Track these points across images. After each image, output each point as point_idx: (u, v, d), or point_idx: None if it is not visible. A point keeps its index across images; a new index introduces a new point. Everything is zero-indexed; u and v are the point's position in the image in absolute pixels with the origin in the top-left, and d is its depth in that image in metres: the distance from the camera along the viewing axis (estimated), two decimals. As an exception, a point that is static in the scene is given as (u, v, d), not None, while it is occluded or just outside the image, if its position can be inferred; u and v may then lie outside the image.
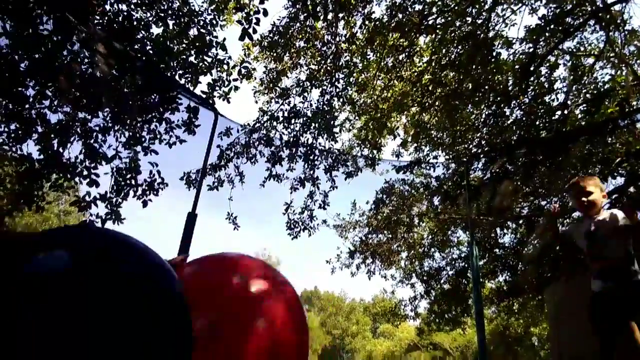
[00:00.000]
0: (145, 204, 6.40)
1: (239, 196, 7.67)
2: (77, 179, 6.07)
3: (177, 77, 5.71)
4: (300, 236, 8.19)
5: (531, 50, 6.00)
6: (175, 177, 7.25)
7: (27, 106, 5.43)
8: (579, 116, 6.72)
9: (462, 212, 8.92)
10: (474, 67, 5.94)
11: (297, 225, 8.15)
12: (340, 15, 6.26)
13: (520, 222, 9.13)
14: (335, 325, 52.79)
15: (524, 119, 6.58)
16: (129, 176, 6.32)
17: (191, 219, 6.57)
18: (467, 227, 8.71)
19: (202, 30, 5.52)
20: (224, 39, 5.58)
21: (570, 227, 3.01)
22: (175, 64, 5.66)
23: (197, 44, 5.45)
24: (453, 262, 11.61)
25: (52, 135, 5.68)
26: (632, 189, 7.58)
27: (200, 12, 5.60)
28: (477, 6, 5.85)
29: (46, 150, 5.70)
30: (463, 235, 11.31)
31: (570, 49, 6.59)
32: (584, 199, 2.67)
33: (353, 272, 11.74)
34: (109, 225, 6.20)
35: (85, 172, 5.87)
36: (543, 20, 5.59)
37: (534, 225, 8.63)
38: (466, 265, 10.98)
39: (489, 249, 10.36)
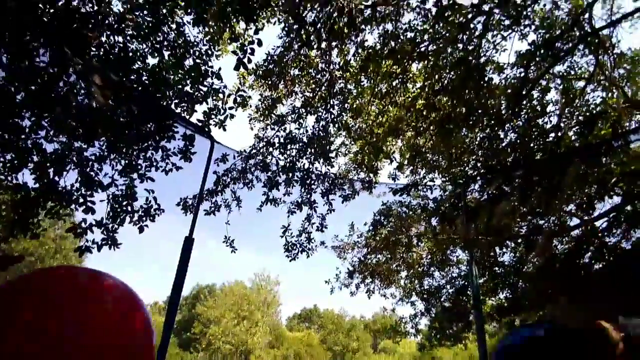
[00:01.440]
0: (141, 229, 6.41)
1: (237, 220, 7.68)
2: (72, 207, 6.07)
3: (173, 106, 5.75)
4: (299, 258, 8.19)
5: (522, 74, 6.09)
6: (172, 203, 7.26)
7: (22, 136, 5.45)
8: (573, 138, 6.77)
9: (460, 233, 8.91)
10: (466, 92, 6.01)
11: (294, 247, 8.14)
12: (334, 43, 6.35)
13: (519, 241, 9.12)
14: (335, 341, 52.25)
15: (518, 141, 6.63)
16: (125, 203, 6.33)
17: (188, 242, 6.57)
18: (466, 247, 8.70)
19: (197, 60, 5.59)
20: (219, 69, 5.64)
21: None
22: (171, 94, 5.72)
23: (193, 73, 5.51)
24: (453, 281, 11.56)
25: (48, 165, 5.70)
26: (629, 207, 7.61)
27: (195, 43, 5.68)
28: (467, 33, 5.95)
29: (42, 179, 5.71)
30: (462, 255, 11.28)
31: (561, 73, 6.69)
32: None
33: (352, 291, 11.69)
34: (105, 250, 6.19)
35: (81, 200, 5.88)
36: (533, 46, 5.68)
37: (533, 245, 8.63)
38: (466, 283, 10.93)
39: (488, 267, 10.32)
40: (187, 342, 43.67)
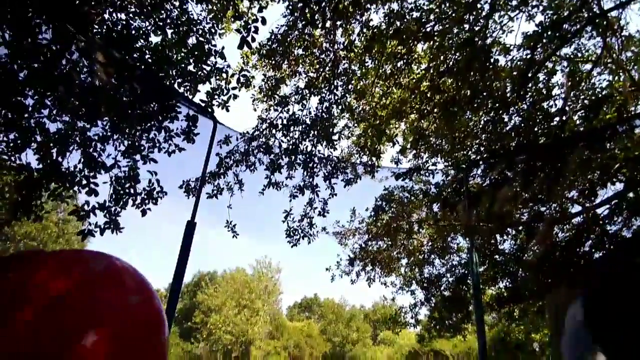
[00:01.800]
0: (144, 212, 6.40)
1: (239, 204, 7.68)
2: (76, 188, 6.06)
3: (176, 86, 5.72)
4: (300, 243, 8.19)
5: (529, 56, 6.03)
6: (175, 186, 7.26)
7: (26, 115, 5.43)
8: (578, 122, 6.73)
9: (462, 219, 8.91)
10: (472, 74, 5.96)
11: (296, 232, 8.15)
12: (338, 23, 6.29)
13: (520, 228, 9.12)
14: (335, 332, 52.59)
15: (522, 125, 6.59)
16: (127, 185, 6.32)
17: (190, 227, 6.56)
18: (467, 234, 8.70)
19: (200, 38, 5.54)
20: (223, 47, 5.60)
21: None
22: (174, 73, 5.68)
23: (196, 52, 5.47)
24: (453, 269, 11.59)
25: (51, 145, 5.69)
26: (631, 194, 7.60)
27: (199, 21, 5.63)
28: (474, 13, 5.89)
29: (45, 159, 5.70)
30: (463, 242, 11.30)
31: (567, 55, 6.62)
32: None
33: (353, 279, 11.73)
34: (107, 234, 6.19)
35: (84, 181, 5.87)
36: (540, 27, 5.62)
37: (534, 232, 8.63)
38: (466, 271, 10.95)
39: (489, 255, 10.34)
40: (187, 331, 43.91)
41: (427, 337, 15.25)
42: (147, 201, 6.48)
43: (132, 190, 6.40)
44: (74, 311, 1.11)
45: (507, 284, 11.05)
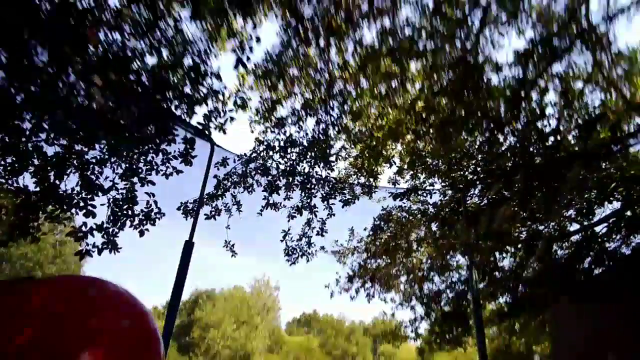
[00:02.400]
0: (142, 233, 6.40)
1: (237, 224, 7.67)
2: (73, 210, 6.06)
3: (172, 108, 5.75)
4: (299, 262, 8.18)
5: (521, 74, 6.09)
6: (173, 207, 7.25)
7: (23, 139, 5.45)
8: (572, 142, 6.77)
9: (460, 238, 8.90)
10: (465, 93, 6.02)
11: (295, 252, 8.14)
12: (332, 41, 6.33)
13: (519, 246, 9.11)
14: (335, 345, 52.03)
15: (517, 145, 6.63)
16: (125, 206, 6.32)
17: (188, 247, 6.56)
18: (466, 252, 8.68)
19: (196, 59, 5.57)
20: (219, 68, 5.64)
21: None
22: (170, 95, 5.71)
23: (192, 74, 5.50)
24: (453, 285, 11.53)
25: (49, 168, 5.69)
26: (629, 212, 7.61)
27: (193, 41, 5.66)
28: (465, 28, 5.95)
29: (42, 182, 5.70)
30: (462, 260, 11.27)
31: (559, 73, 6.69)
32: None
33: (352, 295, 11.66)
34: (105, 254, 6.17)
35: (81, 204, 5.87)
36: (531, 43, 5.70)
37: (532, 249, 8.62)
38: (466, 288, 10.91)
39: (488, 272, 10.30)
40: (185, 346, 43.42)
41: (427, 351, 15.13)
42: (145, 222, 6.47)
43: (129, 212, 6.40)
44: (68, 335, 1.11)
45: (507, 299, 11.01)
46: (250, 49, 4.91)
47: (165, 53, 5.58)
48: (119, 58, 5.18)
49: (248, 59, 4.90)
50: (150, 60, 5.46)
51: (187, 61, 5.69)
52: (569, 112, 6.72)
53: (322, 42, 6.47)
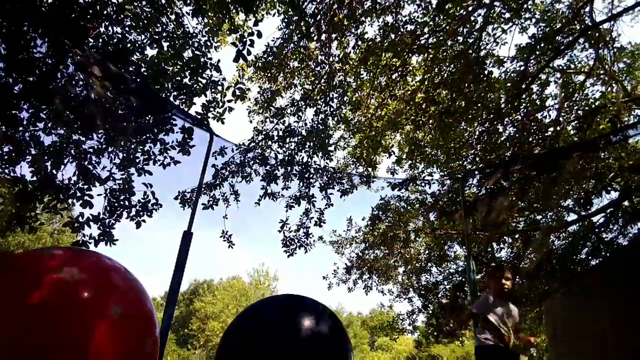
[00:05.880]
0: (138, 224, 6.36)
1: (235, 214, 7.65)
2: (70, 200, 6.03)
3: (171, 99, 5.71)
4: (297, 253, 8.16)
5: (522, 68, 6.07)
6: (170, 197, 7.23)
7: (20, 129, 5.41)
8: (571, 132, 6.77)
9: (458, 228, 8.92)
10: (466, 85, 6.00)
11: (292, 242, 8.12)
12: (334, 35, 6.32)
13: (517, 236, 9.14)
14: (332, 338, 52.30)
15: (517, 135, 6.63)
16: (122, 197, 6.29)
17: (187, 237, 6.53)
18: (464, 242, 8.71)
19: (196, 52, 5.54)
20: (218, 61, 5.61)
21: (481, 304, 3.65)
22: (169, 86, 5.68)
23: (192, 65, 5.47)
24: (450, 277, 11.58)
25: (46, 157, 5.66)
26: (626, 203, 7.63)
27: (194, 34, 5.64)
28: (468, 26, 5.93)
29: (39, 172, 5.67)
30: (460, 250, 11.31)
31: (560, 67, 6.67)
32: (507, 285, 3.50)
33: (350, 287, 11.69)
34: (102, 246, 6.15)
35: (78, 194, 5.84)
36: (533, 39, 5.67)
37: (530, 240, 8.65)
38: (463, 279, 10.95)
39: (485, 263, 10.34)
40: (184, 338, 43.60)
41: (424, 343, 15.24)
42: (142, 213, 6.44)
43: (126, 203, 6.37)
44: (66, 307, 1.11)
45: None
46: (251, 42, 4.86)
47: (165, 45, 5.55)
48: (118, 49, 5.14)
49: (249, 52, 4.85)
50: (151, 52, 5.43)
51: (187, 53, 5.66)
52: (569, 104, 6.71)
53: (323, 37, 6.43)
